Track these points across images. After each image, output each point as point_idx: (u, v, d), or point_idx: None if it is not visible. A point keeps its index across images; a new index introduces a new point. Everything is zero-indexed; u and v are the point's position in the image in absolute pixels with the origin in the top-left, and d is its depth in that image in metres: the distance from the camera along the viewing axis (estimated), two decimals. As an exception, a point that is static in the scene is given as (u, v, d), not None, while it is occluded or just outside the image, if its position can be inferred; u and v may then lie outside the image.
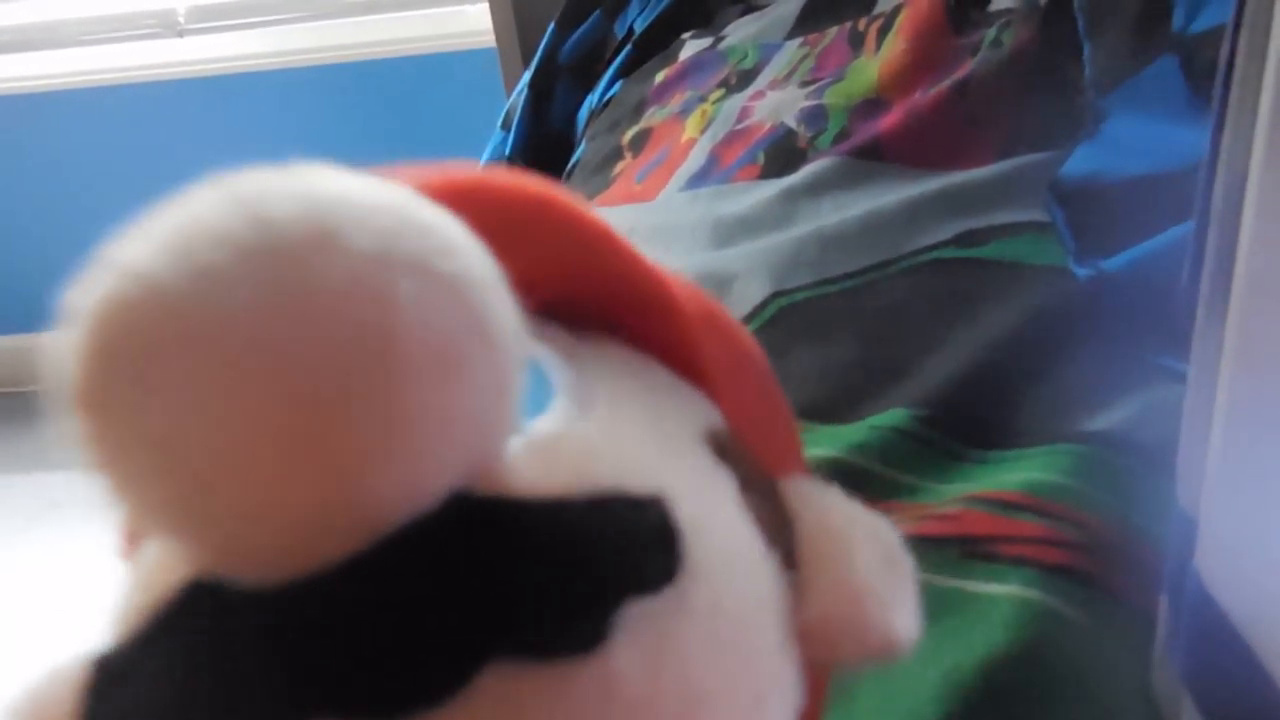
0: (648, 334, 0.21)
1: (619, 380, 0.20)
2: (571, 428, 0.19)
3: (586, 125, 1.06)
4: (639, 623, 0.17)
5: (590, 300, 0.21)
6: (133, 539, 0.19)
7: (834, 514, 0.21)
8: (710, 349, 0.21)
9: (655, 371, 0.21)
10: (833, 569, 0.20)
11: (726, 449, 0.21)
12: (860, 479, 0.45)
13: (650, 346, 0.21)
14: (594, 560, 0.17)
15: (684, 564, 0.17)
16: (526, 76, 1.15)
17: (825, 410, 0.50)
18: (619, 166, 0.89)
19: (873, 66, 0.80)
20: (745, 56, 0.95)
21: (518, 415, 0.17)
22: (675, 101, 0.93)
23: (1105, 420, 0.46)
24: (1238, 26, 0.29)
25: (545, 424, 0.19)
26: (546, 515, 0.17)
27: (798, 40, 0.94)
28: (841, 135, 0.75)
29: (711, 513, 0.19)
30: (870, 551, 0.21)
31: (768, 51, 0.94)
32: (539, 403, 0.19)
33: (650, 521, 0.17)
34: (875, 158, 0.70)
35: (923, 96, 0.73)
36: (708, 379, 0.21)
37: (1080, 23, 0.71)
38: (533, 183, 0.20)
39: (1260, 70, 0.27)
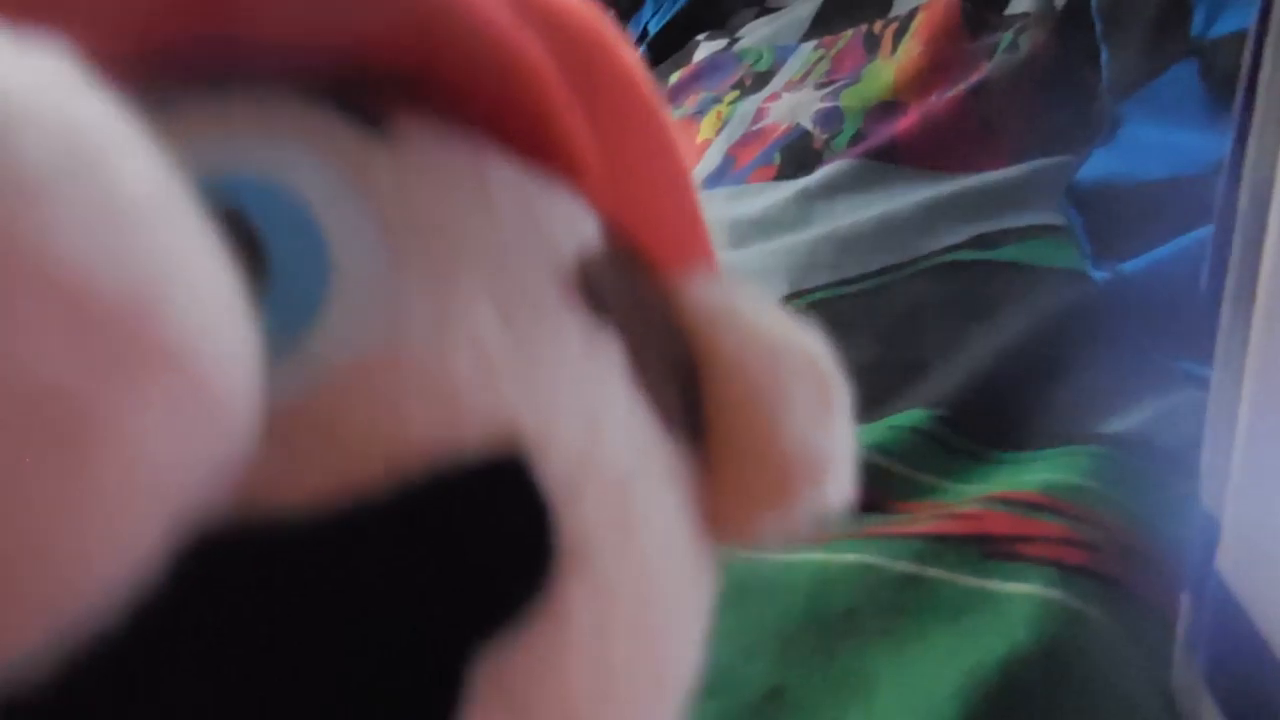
0: (497, 106, 0.15)
1: (441, 225, 0.14)
2: (367, 343, 0.12)
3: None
4: (494, 673, 0.12)
5: (427, 68, 0.15)
6: None
7: (754, 349, 0.16)
8: (580, 114, 0.16)
9: (496, 178, 0.15)
10: (753, 436, 0.16)
11: (604, 292, 0.15)
12: (879, 479, 0.45)
13: (499, 121, 0.15)
14: (412, 613, 0.11)
15: (558, 555, 0.13)
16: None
17: None
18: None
19: (888, 69, 0.81)
20: (760, 58, 0.95)
21: (253, 401, 0.10)
22: (690, 103, 0.93)
23: (1122, 423, 0.46)
24: (1262, 31, 0.29)
25: (329, 346, 0.12)
26: (333, 552, 0.11)
27: (813, 42, 0.94)
28: (857, 137, 0.75)
29: (594, 425, 0.14)
30: (798, 400, 0.16)
31: (783, 53, 0.94)
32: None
33: (500, 509, 0.12)
34: (891, 160, 0.71)
35: (938, 99, 0.74)
36: (576, 163, 0.16)
37: (1097, 27, 0.71)
38: None
39: (1286, 74, 0.28)
